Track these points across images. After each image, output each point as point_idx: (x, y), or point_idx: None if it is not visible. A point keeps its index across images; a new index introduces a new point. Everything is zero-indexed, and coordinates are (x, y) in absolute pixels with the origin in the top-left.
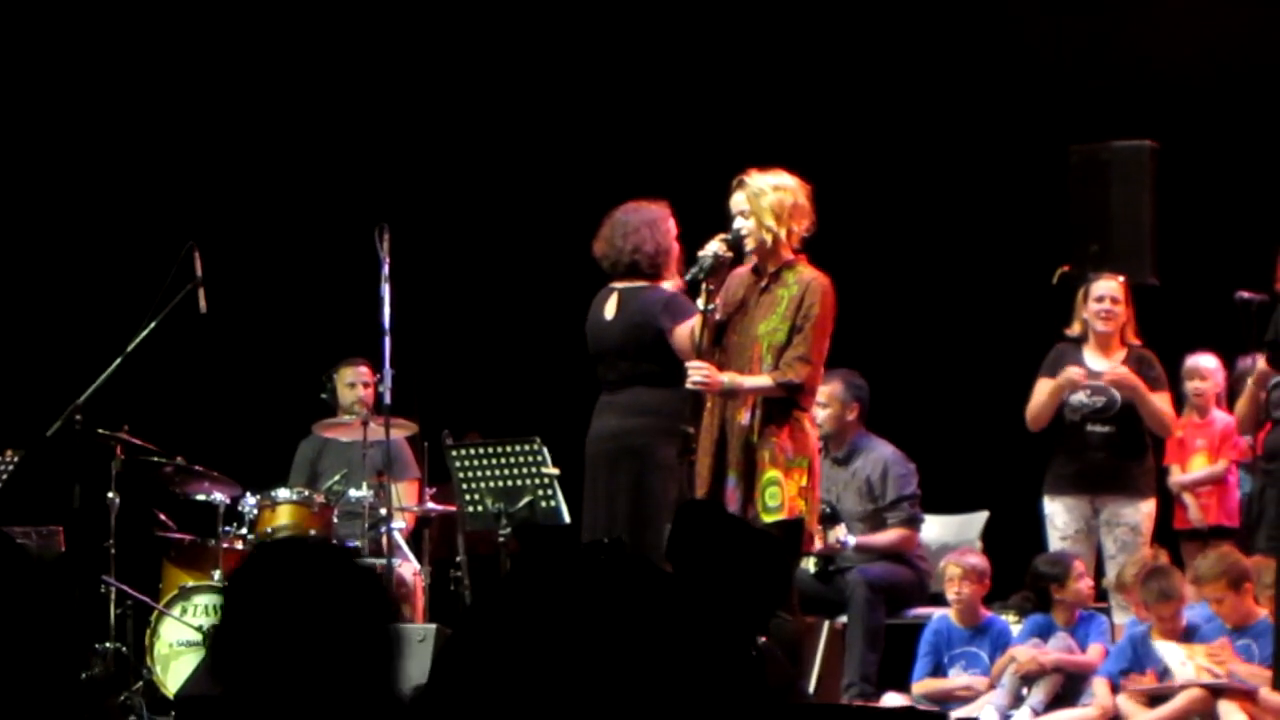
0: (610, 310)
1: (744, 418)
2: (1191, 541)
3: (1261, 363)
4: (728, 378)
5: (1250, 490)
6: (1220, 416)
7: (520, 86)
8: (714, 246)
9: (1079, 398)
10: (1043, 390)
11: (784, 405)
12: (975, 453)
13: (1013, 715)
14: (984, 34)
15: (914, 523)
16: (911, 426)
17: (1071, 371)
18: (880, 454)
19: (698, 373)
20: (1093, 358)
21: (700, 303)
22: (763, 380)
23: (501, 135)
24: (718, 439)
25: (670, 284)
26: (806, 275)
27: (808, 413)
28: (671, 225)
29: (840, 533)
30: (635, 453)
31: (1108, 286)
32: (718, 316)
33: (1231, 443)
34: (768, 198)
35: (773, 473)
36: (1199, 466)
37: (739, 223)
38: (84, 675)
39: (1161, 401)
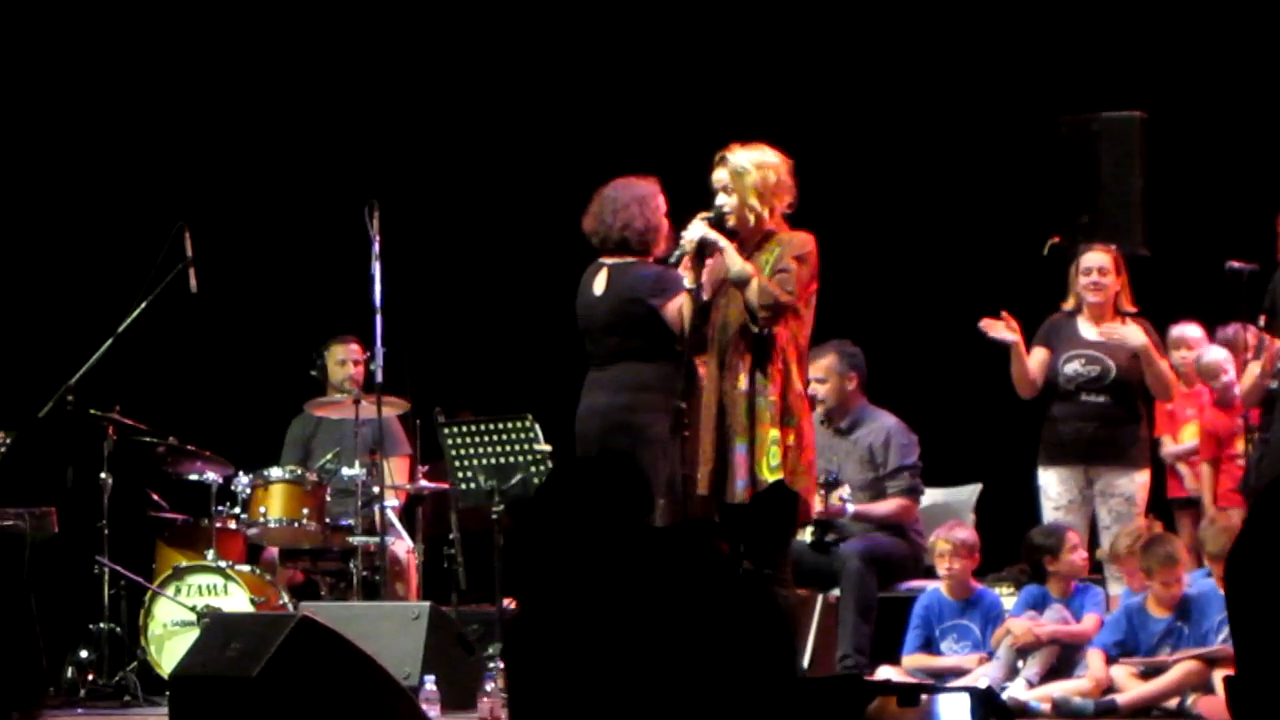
0: (600, 286)
1: (743, 383)
2: (1184, 510)
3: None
4: (726, 246)
5: (1250, 458)
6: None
7: (509, 63)
8: (697, 229)
9: (1074, 367)
10: (1013, 366)
11: (776, 361)
12: (969, 425)
13: (1008, 687)
14: (973, 4)
15: (914, 493)
16: (904, 399)
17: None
18: (883, 424)
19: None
20: (1087, 329)
21: (686, 282)
22: (750, 270)
23: (491, 112)
24: (718, 413)
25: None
26: (787, 236)
27: (800, 372)
28: (661, 202)
29: (844, 491)
30: (626, 429)
31: (1096, 258)
32: (705, 297)
33: (1230, 449)
34: (751, 176)
35: (773, 432)
36: (1190, 436)
37: (721, 199)
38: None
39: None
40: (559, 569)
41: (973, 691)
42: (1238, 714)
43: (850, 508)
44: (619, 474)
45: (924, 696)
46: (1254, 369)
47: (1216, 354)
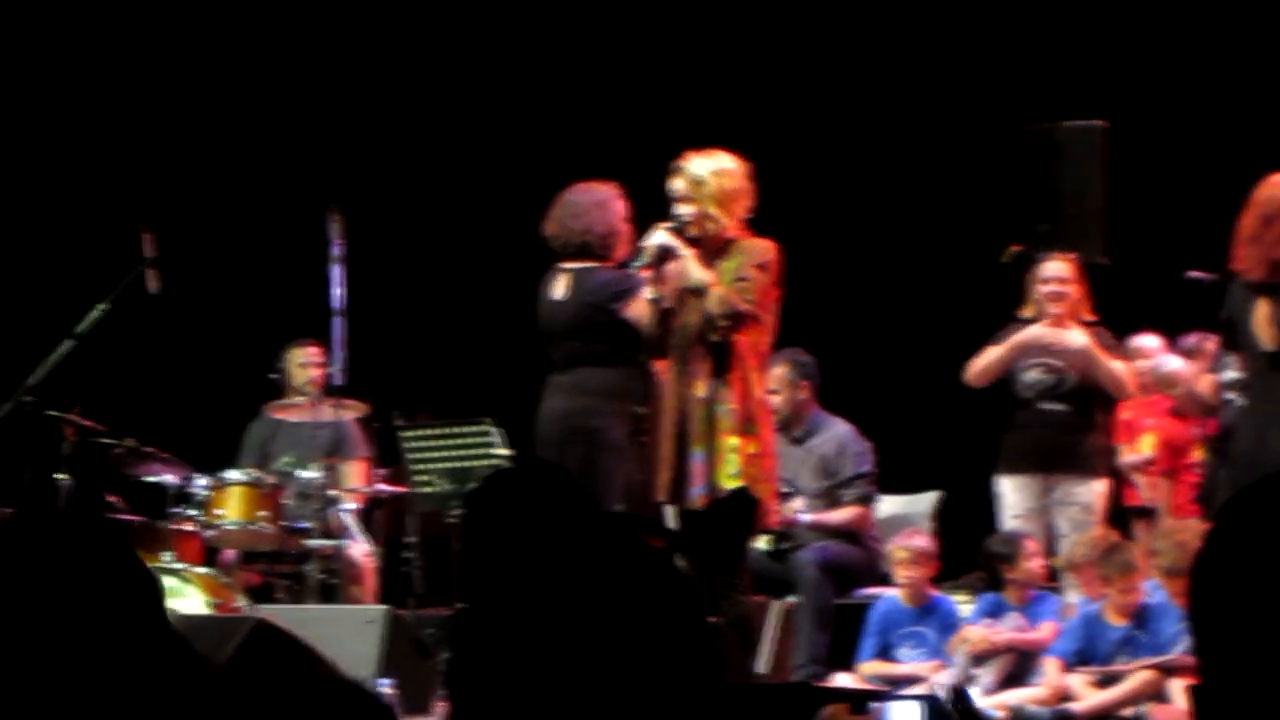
0: (560, 291)
1: (701, 390)
2: (1141, 518)
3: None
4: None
5: (1206, 469)
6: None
7: (470, 68)
8: (658, 236)
9: (1032, 375)
10: (996, 349)
11: (737, 369)
12: (927, 432)
13: None
14: (937, 13)
15: (868, 501)
16: (863, 406)
17: (1037, 331)
18: (837, 432)
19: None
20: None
21: (648, 291)
22: (709, 278)
23: (452, 116)
24: (677, 419)
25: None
26: (748, 244)
27: (761, 380)
28: (621, 206)
29: (798, 503)
30: (585, 433)
31: (1056, 268)
32: (666, 304)
33: (1186, 463)
34: (709, 186)
35: (732, 440)
36: (1148, 446)
37: (680, 209)
38: None
39: (1117, 365)
40: (493, 569)
41: (926, 700)
42: None
43: (806, 518)
44: (547, 480)
45: (874, 704)
46: (1208, 379)
47: (1174, 363)
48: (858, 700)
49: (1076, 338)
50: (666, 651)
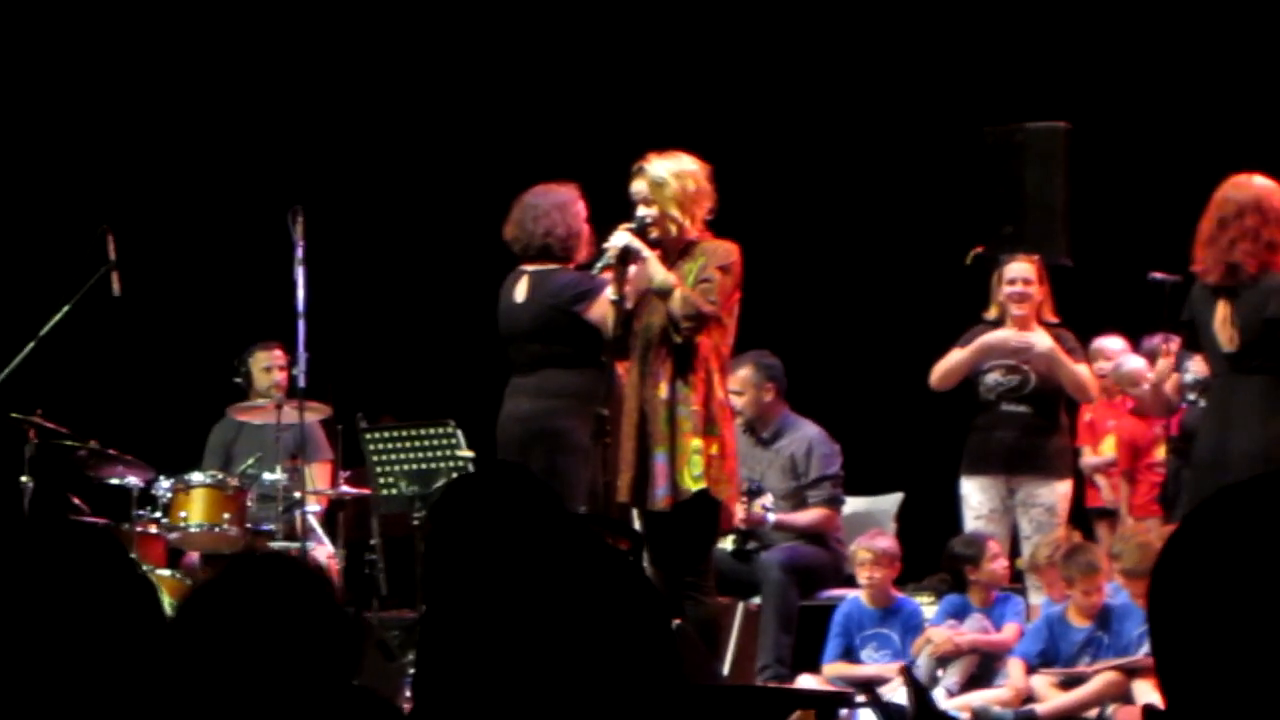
0: (521, 293)
1: (663, 391)
2: (1103, 519)
3: (1171, 375)
4: (649, 256)
5: (1169, 469)
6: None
7: (430, 71)
8: (621, 238)
9: (994, 377)
10: (959, 352)
11: (699, 371)
12: (890, 434)
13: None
14: (899, 15)
15: (835, 503)
16: (826, 408)
17: (1002, 335)
18: (805, 433)
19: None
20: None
21: (609, 292)
22: (672, 280)
23: (413, 117)
24: (638, 421)
25: None
26: (711, 245)
27: (722, 381)
28: (581, 208)
29: (767, 499)
30: (547, 435)
31: (1020, 269)
32: (628, 306)
33: (1147, 462)
34: (670, 187)
35: (696, 441)
36: (1110, 448)
37: (641, 211)
38: None
39: (1080, 369)
40: (459, 573)
41: (883, 708)
42: None
43: (771, 517)
44: (514, 483)
45: (843, 711)
46: (1175, 377)
47: (1135, 362)
48: (825, 706)
49: (1041, 340)
50: (630, 654)
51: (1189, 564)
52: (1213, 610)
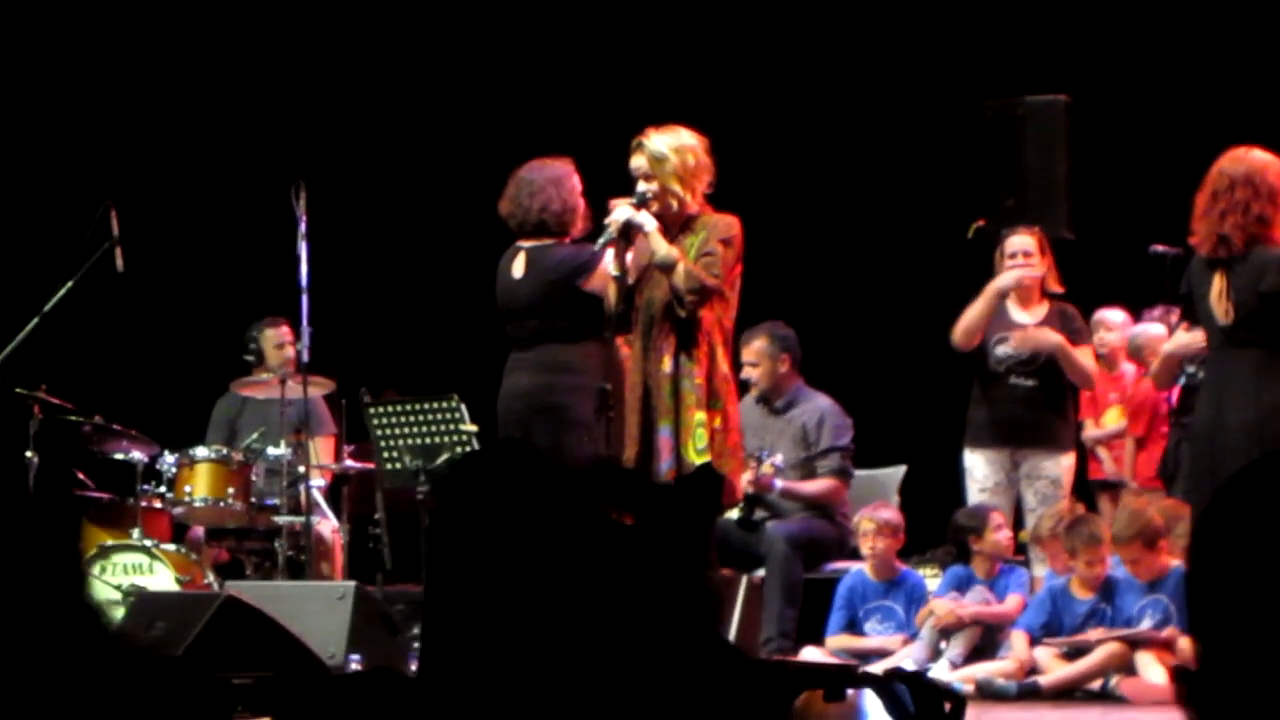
0: (519, 269)
1: (667, 365)
2: (1105, 492)
3: (1187, 339)
4: (652, 229)
5: (1169, 442)
6: (1129, 369)
7: (431, 46)
8: (622, 212)
9: (1004, 349)
10: (976, 304)
11: (702, 344)
12: (893, 406)
13: (931, 668)
14: None
15: (844, 474)
16: (829, 380)
17: (1013, 274)
18: (818, 404)
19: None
20: (1015, 311)
21: (612, 268)
22: (675, 253)
23: (415, 93)
24: (643, 395)
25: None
26: (712, 219)
27: (726, 355)
28: (577, 182)
29: (777, 458)
30: (549, 410)
31: (1021, 241)
32: (630, 281)
33: (1146, 419)
34: (670, 163)
35: (699, 414)
36: (1112, 420)
37: (642, 186)
38: None
39: (1084, 355)
40: (466, 550)
41: (885, 691)
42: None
43: (779, 482)
44: (516, 459)
45: (850, 691)
46: (1166, 348)
47: (1156, 330)
48: (832, 689)
49: (1050, 337)
50: (632, 626)
51: (1229, 529)
52: (1249, 574)
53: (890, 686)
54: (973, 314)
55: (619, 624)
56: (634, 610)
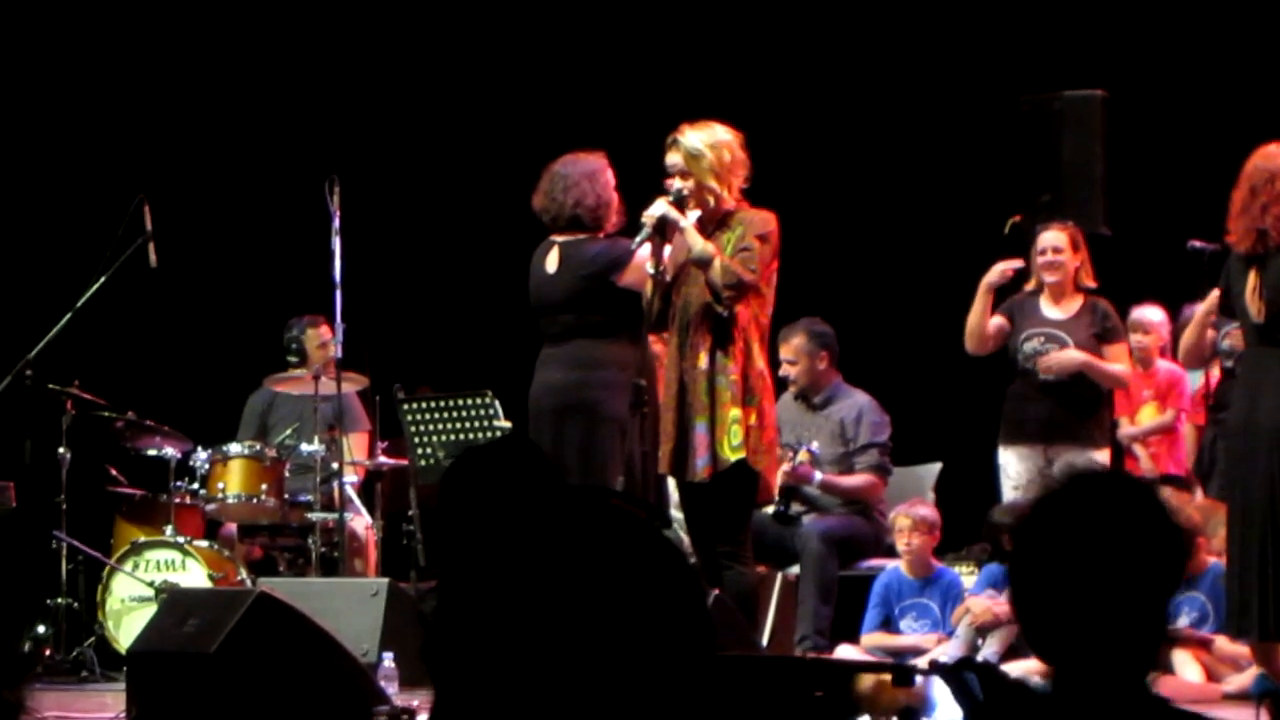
0: (552, 264)
1: (703, 362)
2: None
3: (1214, 295)
4: (688, 226)
5: (1204, 439)
6: (1164, 366)
7: (466, 41)
8: (658, 208)
9: (1033, 345)
10: (973, 307)
11: (738, 341)
12: (929, 404)
13: None
14: None
15: (882, 471)
16: (863, 378)
17: (997, 269)
18: (856, 401)
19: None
20: (1049, 308)
21: (649, 266)
22: (712, 249)
23: (448, 88)
24: (678, 391)
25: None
26: (749, 215)
27: (762, 351)
28: (610, 176)
29: (814, 444)
30: (583, 407)
31: (1051, 237)
32: (666, 278)
33: (1178, 392)
34: (705, 159)
35: (735, 411)
36: (1148, 417)
37: (677, 184)
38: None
39: (1117, 354)
40: (469, 544)
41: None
42: None
43: (818, 475)
44: (516, 457)
45: (919, 678)
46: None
47: (1148, 314)
48: (901, 674)
49: (1072, 357)
50: (643, 623)
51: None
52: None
53: (960, 675)
54: (970, 317)
55: (627, 619)
56: (644, 605)
